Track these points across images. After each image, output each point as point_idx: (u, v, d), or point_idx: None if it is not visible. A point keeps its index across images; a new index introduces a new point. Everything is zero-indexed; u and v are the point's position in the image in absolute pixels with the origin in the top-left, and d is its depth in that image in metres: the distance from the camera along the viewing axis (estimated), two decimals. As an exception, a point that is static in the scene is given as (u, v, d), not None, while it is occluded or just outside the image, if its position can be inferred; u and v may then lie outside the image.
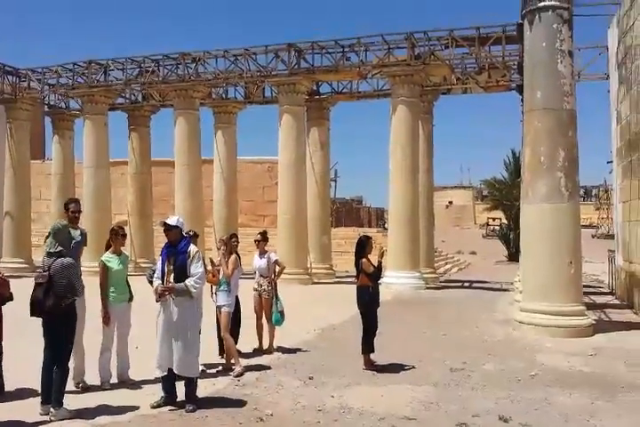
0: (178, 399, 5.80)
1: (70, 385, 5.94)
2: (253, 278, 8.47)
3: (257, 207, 28.47)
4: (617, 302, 14.24)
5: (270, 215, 25.38)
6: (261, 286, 8.34)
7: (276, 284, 8.40)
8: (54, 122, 23.57)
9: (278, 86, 18.68)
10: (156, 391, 5.96)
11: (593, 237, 43.64)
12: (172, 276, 5.78)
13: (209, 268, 7.26)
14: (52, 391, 5.42)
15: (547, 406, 5.88)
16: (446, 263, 26.60)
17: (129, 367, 6.64)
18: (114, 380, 6.48)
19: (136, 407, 5.68)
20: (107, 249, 6.69)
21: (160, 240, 8.48)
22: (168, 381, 5.80)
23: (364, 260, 7.45)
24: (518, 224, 20.42)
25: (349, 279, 15.78)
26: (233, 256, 7.52)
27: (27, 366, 6.29)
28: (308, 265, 18.65)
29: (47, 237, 5.66)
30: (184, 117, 19.65)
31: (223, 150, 21.53)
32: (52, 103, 23.55)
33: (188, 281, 5.71)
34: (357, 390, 6.42)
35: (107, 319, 6.44)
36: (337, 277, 19.64)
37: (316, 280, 18.49)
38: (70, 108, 23.42)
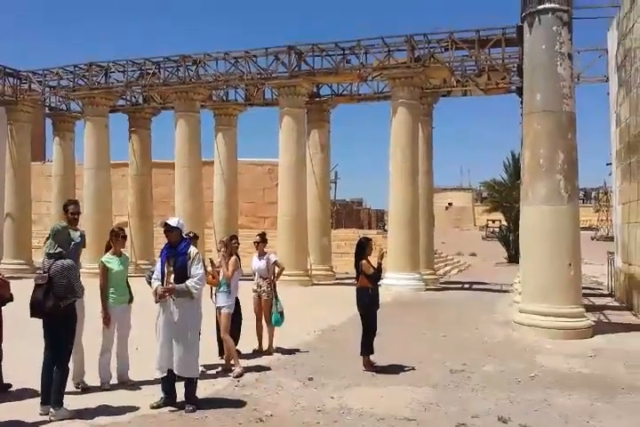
0: (177, 400, 5.81)
1: (70, 386, 5.95)
2: (253, 280, 8.48)
3: (257, 209, 28.50)
4: (616, 303, 14.24)
5: (270, 217, 25.42)
6: (260, 287, 8.35)
7: (275, 285, 8.41)
8: (55, 124, 23.65)
9: (279, 88, 18.73)
10: (156, 392, 5.96)
11: (592, 239, 43.68)
12: (172, 277, 5.79)
13: (209, 269, 7.28)
14: (51, 392, 5.43)
15: (546, 407, 5.89)
16: (446, 265, 26.61)
17: (129, 368, 6.65)
18: (114, 381, 6.49)
19: (136, 408, 5.69)
20: (107, 250, 6.69)
21: (160, 242, 8.48)
22: (168, 381, 5.81)
23: (363, 261, 7.46)
24: (518, 226, 20.38)
25: (349, 281, 15.79)
26: (233, 258, 7.54)
27: (27, 367, 6.30)
28: (308, 267, 18.67)
29: (47, 239, 5.68)
30: (185, 119, 19.70)
31: (224, 152, 21.58)
32: (52, 105, 23.62)
33: (189, 282, 5.72)
34: (357, 391, 6.43)
35: (107, 321, 6.45)
36: (337, 279, 19.65)
37: (315, 282, 18.51)
38: (71, 110, 23.54)
